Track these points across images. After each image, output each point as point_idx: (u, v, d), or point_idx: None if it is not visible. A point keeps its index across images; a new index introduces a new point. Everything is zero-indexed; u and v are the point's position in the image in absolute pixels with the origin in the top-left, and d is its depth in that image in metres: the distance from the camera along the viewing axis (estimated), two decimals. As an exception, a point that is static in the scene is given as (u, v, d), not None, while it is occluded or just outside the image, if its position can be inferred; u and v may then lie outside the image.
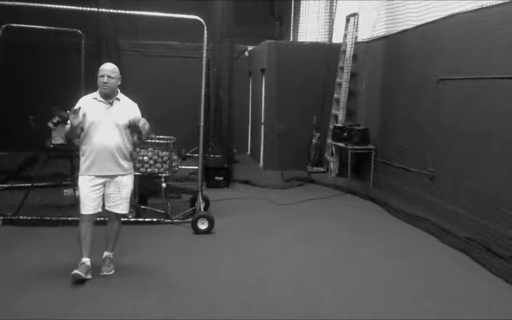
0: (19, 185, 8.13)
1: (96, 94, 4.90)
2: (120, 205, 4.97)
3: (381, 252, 6.12)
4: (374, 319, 4.34)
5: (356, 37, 11.11)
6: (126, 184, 4.98)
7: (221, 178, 9.63)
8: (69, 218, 6.47)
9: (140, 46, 12.88)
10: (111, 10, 7.14)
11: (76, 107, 4.70)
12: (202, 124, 6.90)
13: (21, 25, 8.96)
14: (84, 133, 4.83)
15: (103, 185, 4.89)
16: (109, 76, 4.79)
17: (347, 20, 11.40)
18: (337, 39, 11.87)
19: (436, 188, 7.61)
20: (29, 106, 11.20)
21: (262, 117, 12.11)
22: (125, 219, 6.58)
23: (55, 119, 6.91)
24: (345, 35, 11.41)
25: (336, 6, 12.16)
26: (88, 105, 4.83)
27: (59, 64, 11.38)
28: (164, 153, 7.16)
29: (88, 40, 9.50)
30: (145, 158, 7.01)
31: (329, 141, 11.34)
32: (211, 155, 10.72)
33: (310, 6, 12.89)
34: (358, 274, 5.39)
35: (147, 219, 6.92)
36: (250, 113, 14.21)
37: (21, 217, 6.59)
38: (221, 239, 6.42)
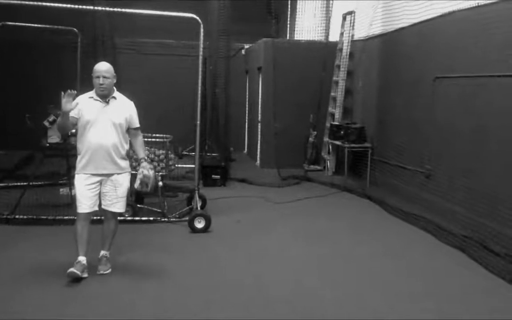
0: (15, 184, 8.10)
1: (92, 93, 4.88)
2: (117, 204, 4.96)
3: (378, 250, 6.12)
4: (373, 318, 4.34)
5: (352, 35, 11.12)
6: (122, 182, 4.96)
7: (218, 176, 9.62)
8: (66, 217, 6.44)
9: (136, 44, 12.85)
10: (107, 8, 7.12)
11: (71, 91, 4.59)
12: (198, 122, 6.89)
13: (17, 23, 8.93)
14: (81, 132, 4.82)
15: (99, 184, 4.88)
16: (104, 77, 4.77)
17: (344, 18, 11.40)
18: (333, 37, 11.87)
19: (432, 186, 7.63)
20: (25, 105, 11.21)
21: (259, 115, 12.10)
22: (122, 218, 6.57)
23: (51, 118, 6.89)
24: (342, 33, 11.41)
25: (332, 4, 12.16)
26: (85, 104, 4.81)
27: (55, 62, 11.35)
28: (161, 151, 7.16)
29: (84, 38, 9.48)
30: (146, 157, 6.97)
31: (325, 139, 11.34)
32: (208, 154, 10.71)
33: (307, 4, 12.87)
34: (355, 272, 5.39)
35: (143, 218, 6.91)
36: (246, 112, 14.20)
37: (17, 216, 6.57)
38: (218, 238, 6.42)
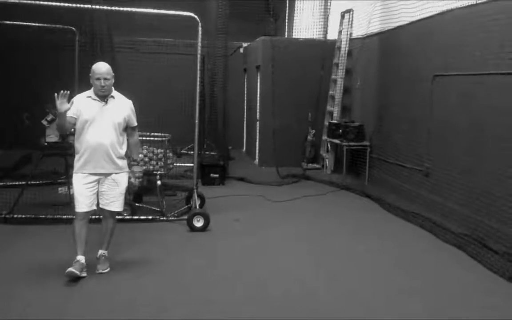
0: (14, 183, 8.09)
1: (90, 92, 4.88)
2: (115, 202, 4.96)
3: (376, 248, 6.13)
4: (371, 316, 4.34)
5: (351, 34, 11.12)
6: (120, 181, 4.96)
7: (217, 175, 9.62)
8: (64, 217, 6.44)
9: (135, 43, 12.83)
10: (105, 7, 7.11)
11: (64, 92, 4.55)
12: (197, 121, 6.88)
13: (15, 22, 8.91)
14: (79, 131, 4.81)
15: (97, 183, 4.88)
16: (105, 79, 4.77)
17: (342, 16, 11.40)
18: (332, 35, 11.87)
19: (431, 184, 7.64)
20: (23, 104, 11.21)
21: (258, 114, 12.10)
22: (120, 217, 6.57)
23: (49, 117, 6.88)
24: (340, 32, 11.41)
25: (330, 2, 12.15)
26: (83, 103, 4.81)
27: (53, 61, 11.33)
28: (159, 150, 7.15)
29: (82, 37, 9.46)
30: (140, 155, 6.98)
31: (324, 137, 11.35)
32: (207, 152, 10.71)
33: (305, 2, 12.88)
34: (354, 270, 5.39)
35: (142, 217, 6.90)
36: (245, 110, 14.20)
37: (15, 216, 6.56)
38: (216, 237, 6.42)
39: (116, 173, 4.92)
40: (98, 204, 4.96)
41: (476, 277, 5.28)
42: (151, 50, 12.96)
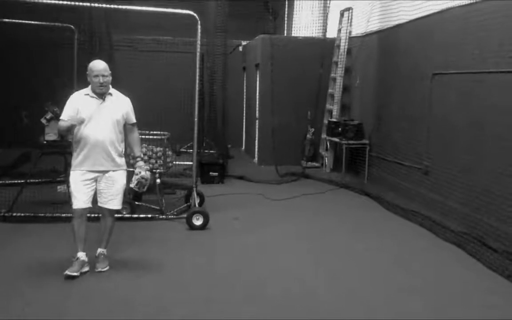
0: (13, 182, 8.07)
1: (87, 90, 4.88)
2: (113, 200, 4.95)
3: (375, 246, 6.13)
4: (370, 314, 4.34)
5: (350, 32, 11.11)
6: (117, 179, 4.95)
7: (216, 173, 9.61)
8: (63, 215, 6.43)
9: (134, 41, 12.82)
10: (104, 5, 7.10)
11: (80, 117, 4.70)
12: (196, 119, 6.88)
13: (13, 20, 8.90)
14: (77, 129, 4.80)
15: (94, 180, 4.88)
16: (103, 75, 4.78)
17: (341, 14, 11.39)
18: (331, 33, 11.86)
19: (430, 183, 7.64)
20: (22, 103, 11.19)
21: (257, 112, 12.09)
22: (120, 215, 6.57)
23: (48, 115, 6.88)
24: (339, 30, 11.40)
25: (330, 0, 12.14)
26: (80, 101, 4.82)
27: (52, 59, 11.32)
28: (158, 148, 7.14)
29: (81, 36, 9.44)
30: (142, 155, 6.96)
31: (323, 136, 11.34)
32: (206, 151, 10.70)
33: (304, 0, 12.86)
34: (353, 268, 5.40)
35: (141, 215, 6.89)
36: (244, 108, 14.19)
37: (14, 214, 6.55)
38: (216, 235, 6.41)
39: (113, 171, 4.92)
40: (97, 203, 4.96)
41: (476, 275, 5.28)
42: (150, 48, 12.95)
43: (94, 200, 4.98)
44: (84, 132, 4.77)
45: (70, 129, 4.75)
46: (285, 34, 13.58)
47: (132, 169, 6.93)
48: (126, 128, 5.06)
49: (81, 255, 4.90)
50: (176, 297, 4.53)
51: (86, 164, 4.81)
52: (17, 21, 8.98)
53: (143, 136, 7.06)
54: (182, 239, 6.22)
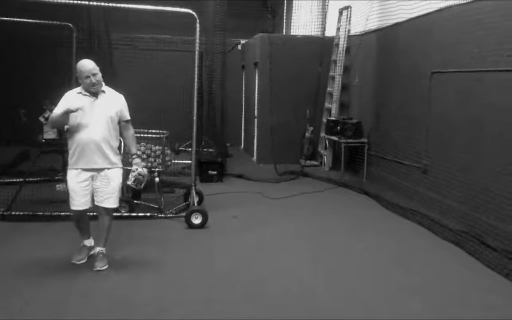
0: (11, 180, 8.06)
1: (80, 88, 4.89)
2: (109, 199, 4.94)
3: (374, 246, 6.13)
4: (368, 313, 4.35)
5: (349, 30, 11.10)
6: (113, 177, 4.95)
7: (215, 172, 9.61)
8: (62, 214, 6.42)
9: (132, 40, 12.80)
10: (103, 3, 7.08)
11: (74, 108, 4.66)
12: (195, 118, 6.87)
13: (12, 18, 8.88)
14: (71, 128, 4.82)
15: (91, 179, 4.89)
16: (93, 74, 4.78)
17: (340, 13, 11.39)
18: (330, 32, 11.86)
19: (429, 181, 7.64)
20: (20, 101, 11.17)
21: (256, 110, 12.08)
22: (118, 214, 6.58)
23: (47, 114, 6.87)
24: (338, 28, 11.40)
25: (328, -1, 12.16)
26: (74, 99, 4.82)
27: (50, 58, 11.30)
28: (157, 147, 7.14)
29: (79, 34, 9.43)
30: (138, 152, 6.95)
31: (322, 134, 11.35)
32: (205, 149, 10.70)
33: (303, -1, 12.87)
34: (352, 267, 5.40)
35: (140, 214, 6.89)
36: (243, 107, 14.18)
37: (13, 213, 6.54)
38: (215, 234, 6.41)
39: (108, 169, 4.92)
40: (93, 201, 4.99)
41: (475, 274, 5.28)
42: (149, 47, 12.93)
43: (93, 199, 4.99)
44: (77, 131, 4.78)
45: (63, 119, 4.71)
46: (284, 33, 13.57)
47: (130, 168, 6.94)
48: (121, 125, 5.05)
49: (87, 242, 5.16)
50: (175, 296, 4.52)
51: (80, 163, 4.82)
52: (15, 19, 8.97)
53: (142, 135, 7.07)
54: (181, 238, 6.22)
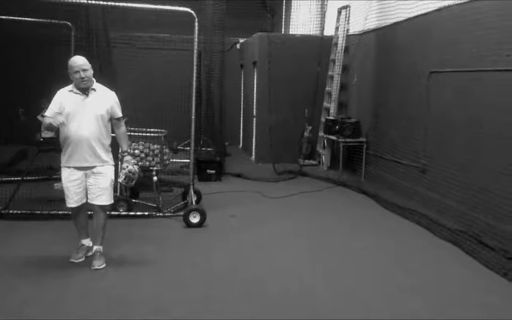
0: (10, 179, 8.05)
1: (71, 86, 4.90)
2: (101, 196, 4.95)
3: (373, 245, 6.13)
4: (366, 312, 4.35)
5: (347, 30, 11.11)
6: (105, 174, 4.96)
7: (213, 171, 9.61)
8: (60, 212, 6.42)
9: (131, 39, 12.77)
10: (102, 2, 7.07)
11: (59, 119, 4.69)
12: (193, 116, 6.87)
13: (10, 17, 8.86)
14: (62, 126, 4.82)
15: (83, 177, 4.91)
16: (83, 70, 4.78)
17: (339, 12, 11.39)
18: (328, 31, 11.86)
19: (427, 181, 7.64)
20: (18, 100, 11.16)
21: (254, 110, 12.08)
22: (117, 213, 6.58)
23: (45, 112, 6.84)
24: (337, 28, 11.41)
25: (327, -2, 12.15)
26: (65, 97, 4.84)
27: (48, 56, 11.26)
28: (155, 146, 7.13)
29: (78, 33, 9.41)
30: (136, 151, 6.97)
31: (321, 134, 11.35)
32: (203, 148, 10.69)
33: (302, -2, 12.86)
34: (350, 266, 5.40)
35: (138, 213, 6.88)
36: (242, 106, 14.18)
37: (11, 211, 6.53)
38: (213, 233, 6.41)
39: (100, 166, 4.93)
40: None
41: (473, 273, 5.29)
42: (148, 45, 12.92)
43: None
44: (69, 129, 4.80)
45: (51, 127, 4.75)
46: (283, 32, 13.56)
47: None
48: (113, 122, 5.06)
49: (85, 242, 5.20)
50: (173, 295, 4.52)
51: (72, 161, 4.86)
52: (14, 18, 8.95)
53: (140, 134, 7.07)
54: (179, 237, 6.22)
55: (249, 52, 12.93)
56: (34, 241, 5.77)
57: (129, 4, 6.74)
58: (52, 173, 8.41)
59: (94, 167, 4.89)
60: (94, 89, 4.91)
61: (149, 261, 5.30)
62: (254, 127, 12.05)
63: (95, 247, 5.08)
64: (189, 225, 6.52)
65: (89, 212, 5.19)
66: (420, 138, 7.86)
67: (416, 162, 7.96)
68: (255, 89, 12.01)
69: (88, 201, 4.98)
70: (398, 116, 8.73)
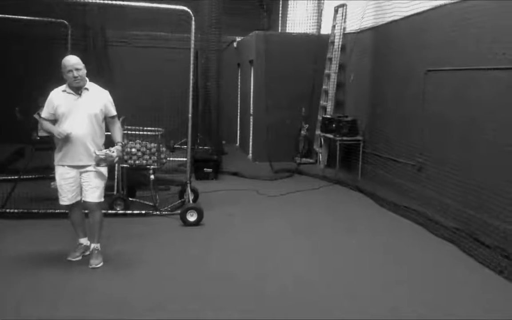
0: (6, 178, 8.04)
1: (65, 86, 4.91)
2: (93, 193, 4.95)
3: (370, 243, 6.15)
4: (368, 311, 4.36)
5: (344, 28, 11.12)
6: (98, 172, 4.96)
7: (210, 169, 9.61)
8: (57, 211, 6.41)
9: (128, 37, 12.77)
10: (98, 0, 7.07)
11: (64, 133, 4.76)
12: (190, 115, 6.87)
13: (6, 15, 8.83)
14: (57, 125, 4.86)
15: (78, 174, 4.93)
16: (76, 69, 4.79)
17: (336, 11, 11.40)
18: (325, 30, 11.86)
19: (424, 179, 7.67)
20: (15, 98, 11.12)
21: (251, 108, 12.09)
22: (113, 211, 6.58)
23: (42, 111, 6.83)
24: (334, 26, 11.41)
25: (324, -3, 12.15)
26: (58, 97, 4.86)
27: (45, 55, 11.22)
28: (153, 144, 7.13)
29: (74, 31, 9.40)
30: (133, 150, 6.97)
31: (317, 132, 11.36)
32: (200, 147, 10.69)
33: (298, -3, 12.86)
34: (349, 264, 5.41)
35: (135, 211, 6.89)
36: (239, 105, 14.18)
37: (8, 210, 6.53)
38: (210, 231, 6.42)
39: (94, 164, 4.93)
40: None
41: (469, 271, 5.31)
42: (144, 44, 12.91)
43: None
44: (62, 128, 4.81)
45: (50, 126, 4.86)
46: (280, 31, 13.56)
47: (126, 165, 6.95)
48: (107, 120, 5.07)
49: (83, 241, 5.24)
50: (170, 293, 4.53)
51: (66, 160, 4.89)
52: (10, 16, 8.92)
53: (138, 132, 7.07)
54: (176, 235, 6.22)
55: (246, 50, 12.94)
56: (31, 240, 5.77)
57: (126, 3, 6.74)
58: (49, 172, 8.40)
59: (88, 166, 4.90)
60: (87, 89, 4.92)
61: (146, 260, 5.31)
62: (251, 126, 12.06)
63: (92, 246, 5.09)
64: (186, 223, 6.53)
65: (86, 211, 5.19)
66: (416, 136, 7.89)
67: (412, 160, 7.99)
68: (252, 87, 12.02)
69: (82, 198, 5.00)
70: (394, 114, 8.75)
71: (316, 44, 11.54)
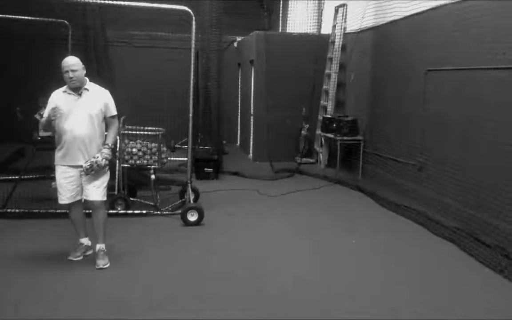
0: (7, 178, 8.05)
1: (65, 87, 4.92)
2: (95, 192, 4.94)
3: (370, 243, 6.15)
4: (369, 311, 4.37)
5: (345, 28, 11.12)
6: (99, 171, 4.94)
7: (211, 169, 9.62)
8: (57, 211, 6.41)
9: (128, 37, 12.77)
10: (99, 0, 7.07)
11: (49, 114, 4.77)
12: (191, 115, 6.88)
13: (7, 15, 8.84)
14: (57, 125, 4.86)
15: (78, 174, 4.92)
16: (72, 70, 4.80)
17: (336, 10, 11.40)
18: (326, 30, 11.87)
19: (424, 179, 7.67)
20: (16, 98, 11.14)
21: (252, 108, 12.09)
22: (114, 211, 6.59)
23: (42, 111, 6.84)
24: (334, 26, 11.41)
25: (324, -3, 12.16)
26: (59, 98, 4.88)
27: (45, 55, 11.23)
28: (153, 144, 7.13)
29: (75, 31, 9.40)
30: (134, 150, 6.98)
31: (318, 132, 11.36)
32: (201, 147, 10.70)
33: (299, -3, 12.86)
34: (350, 264, 5.41)
35: (136, 211, 6.89)
36: (239, 105, 14.19)
37: (8, 210, 6.54)
38: (210, 231, 6.42)
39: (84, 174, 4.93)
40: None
41: (469, 270, 5.31)
42: (145, 44, 12.91)
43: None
44: (63, 129, 4.83)
45: (50, 124, 4.83)
46: (280, 30, 13.56)
47: (126, 165, 6.96)
48: (106, 121, 5.07)
49: (84, 241, 5.24)
50: (170, 293, 4.53)
51: (66, 159, 4.90)
52: (11, 16, 8.93)
53: (138, 132, 7.08)
54: (177, 235, 6.23)
55: (247, 50, 12.94)
56: (31, 240, 5.78)
57: (127, 3, 6.74)
58: (50, 171, 8.41)
59: None
60: (87, 89, 4.93)
61: (147, 260, 5.32)
62: (252, 126, 12.07)
63: (98, 246, 5.09)
64: (186, 223, 6.54)
65: (87, 211, 5.20)
66: (416, 136, 7.89)
67: (413, 160, 7.99)
68: (252, 87, 12.02)
69: (84, 198, 5.00)
70: (395, 114, 8.75)
71: (316, 44, 11.54)
